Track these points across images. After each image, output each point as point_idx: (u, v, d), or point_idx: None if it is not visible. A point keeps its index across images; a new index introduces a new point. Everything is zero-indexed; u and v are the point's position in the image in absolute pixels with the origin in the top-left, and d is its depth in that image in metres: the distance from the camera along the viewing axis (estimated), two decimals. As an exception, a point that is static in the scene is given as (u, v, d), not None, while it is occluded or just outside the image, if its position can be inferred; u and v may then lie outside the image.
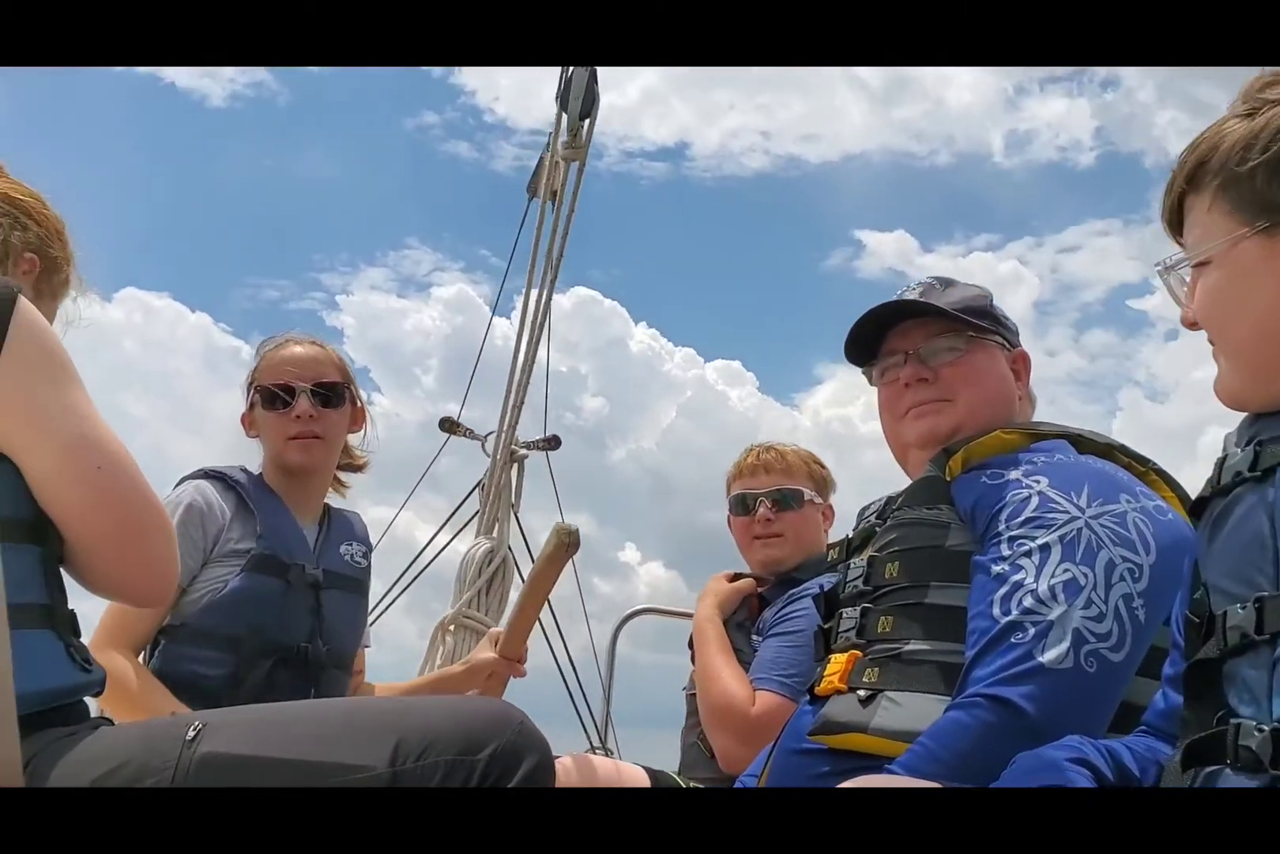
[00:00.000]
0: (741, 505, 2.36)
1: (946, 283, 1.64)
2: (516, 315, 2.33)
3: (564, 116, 2.20)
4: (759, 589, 2.32)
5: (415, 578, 2.66)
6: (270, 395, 2.00)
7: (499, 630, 2.19)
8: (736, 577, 2.37)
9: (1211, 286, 1.03)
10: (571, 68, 2.21)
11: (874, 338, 1.63)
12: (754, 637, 2.21)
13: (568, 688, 3.08)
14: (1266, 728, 0.86)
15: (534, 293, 2.34)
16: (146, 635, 1.84)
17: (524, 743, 1.06)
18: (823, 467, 2.42)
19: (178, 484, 1.97)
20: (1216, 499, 1.00)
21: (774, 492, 2.31)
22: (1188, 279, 1.06)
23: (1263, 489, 0.94)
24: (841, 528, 1.82)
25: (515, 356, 2.25)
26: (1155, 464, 1.51)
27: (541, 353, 2.23)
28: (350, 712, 1.12)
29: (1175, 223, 1.08)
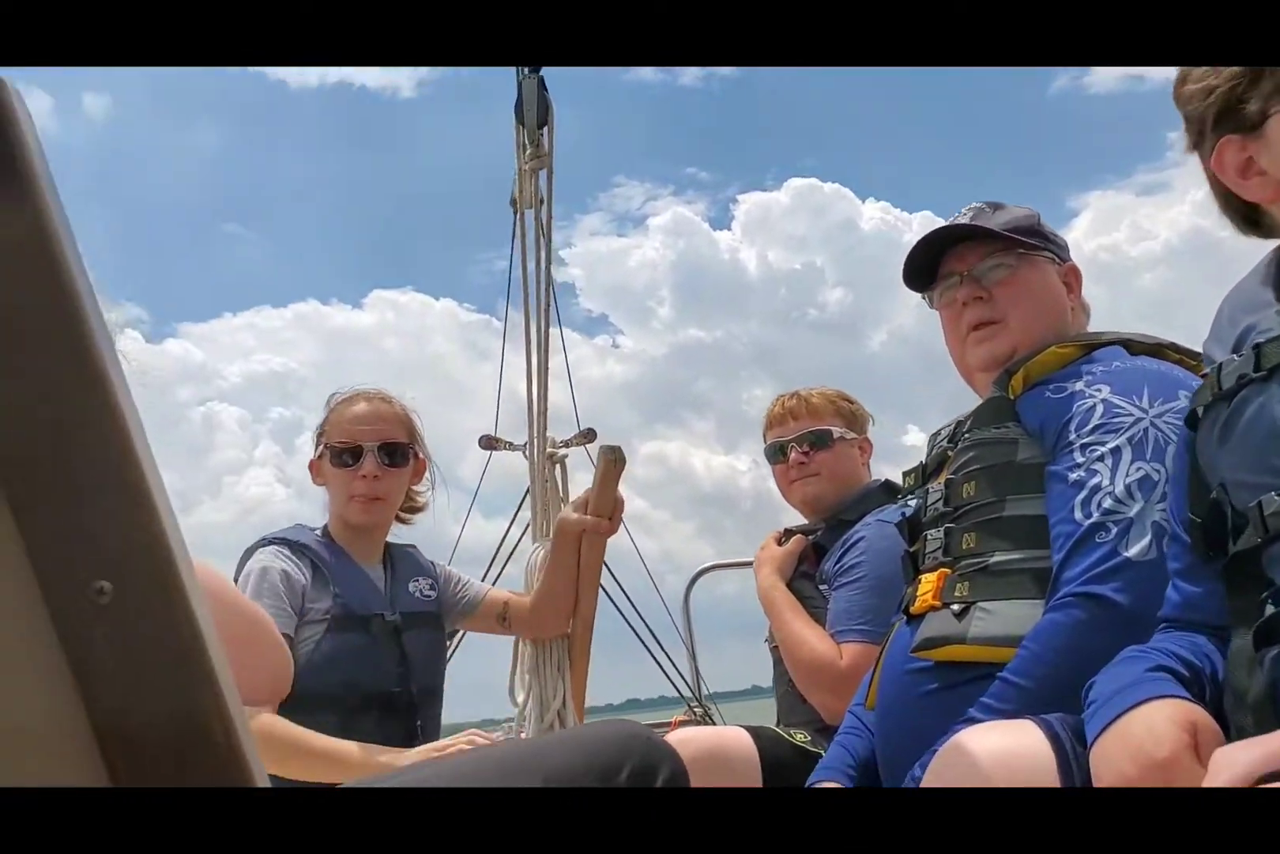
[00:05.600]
0: (777, 453, 2.43)
1: (996, 206, 1.72)
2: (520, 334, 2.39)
3: (521, 129, 2.24)
4: (811, 538, 2.39)
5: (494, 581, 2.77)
6: (338, 453, 2.10)
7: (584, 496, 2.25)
8: (786, 534, 2.43)
9: None
10: (520, 78, 2.26)
11: (931, 263, 1.71)
12: (820, 586, 2.28)
13: (653, 657, 3.18)
14: None
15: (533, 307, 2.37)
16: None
17: (656, 756, 1.13)
18: (852, 402, 2.48)
19: (246, 554, 2.05)
20: (1220, 404, 1.05)
21: (804, 435, 2.39)
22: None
23: (1269, 386, 0.98)
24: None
25: (529, 367, 2.31)
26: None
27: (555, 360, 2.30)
28: (500, 761, 1.19)
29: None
